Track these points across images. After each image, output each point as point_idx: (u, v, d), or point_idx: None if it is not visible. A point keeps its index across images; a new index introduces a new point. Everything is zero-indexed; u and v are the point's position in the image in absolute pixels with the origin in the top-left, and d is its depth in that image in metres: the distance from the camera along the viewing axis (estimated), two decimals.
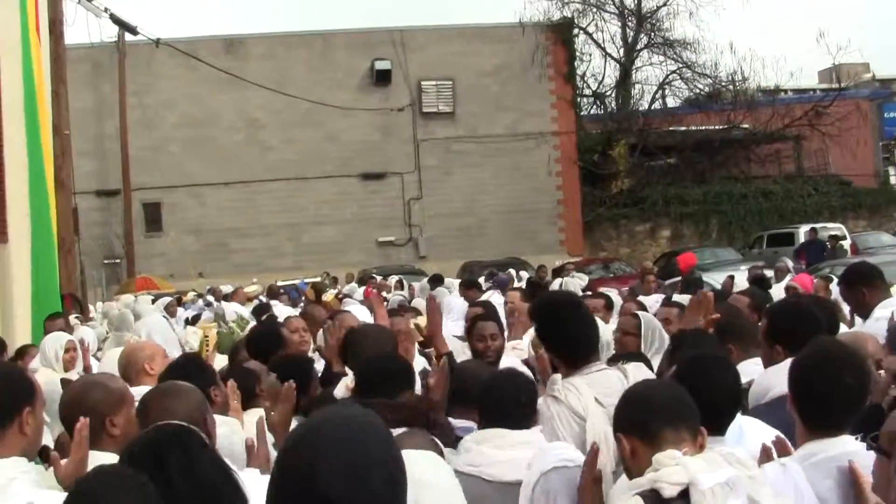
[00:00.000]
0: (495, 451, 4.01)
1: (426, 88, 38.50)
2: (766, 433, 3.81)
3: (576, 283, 15.37)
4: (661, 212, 39.98)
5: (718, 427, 3.55)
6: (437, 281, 19.86)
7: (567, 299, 5.00)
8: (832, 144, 42.84)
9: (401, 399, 4.27)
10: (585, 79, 43.78)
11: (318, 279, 26.80)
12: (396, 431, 4.02)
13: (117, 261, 35.98)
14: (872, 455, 3.35)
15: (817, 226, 31.13)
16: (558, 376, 4.55)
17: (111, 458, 3.61)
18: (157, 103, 36.36)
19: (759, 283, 12.90)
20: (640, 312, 6.58)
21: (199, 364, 5.17)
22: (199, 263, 35.81)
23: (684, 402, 3.20)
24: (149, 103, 35.95)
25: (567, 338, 4.62)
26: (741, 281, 15.08)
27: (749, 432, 3.91)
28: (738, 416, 3.94)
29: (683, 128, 41.85)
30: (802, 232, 31.75)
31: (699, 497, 2.88)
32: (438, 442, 3.85)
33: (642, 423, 3.16)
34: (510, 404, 4.14)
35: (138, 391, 4.28)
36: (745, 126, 42.46)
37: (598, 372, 4.53)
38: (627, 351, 5.95)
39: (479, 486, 3.76)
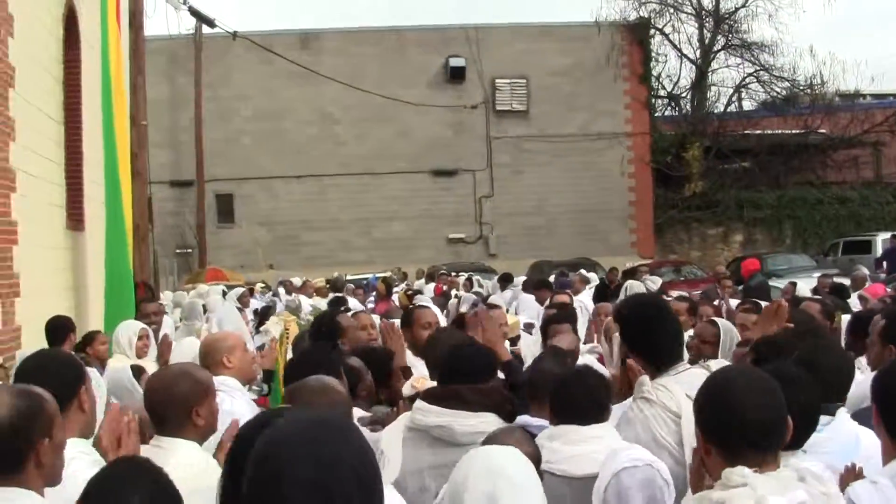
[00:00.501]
0: (567, 447, 4.00)
1: (500, 86, 38.40)
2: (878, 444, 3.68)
3: (648, 286, 15.21)
4: (733, 216, 39.49)
5: (796, 441, 3.43)
6: (506, 280, 19.79)
7: (654, 301, 4.93)
8: None
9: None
10: (661, 80, 43.35)
11: (389, 274, 26.86)
12: (490, 423, 4.04)
13: (189, 250, 36.37)
14: None
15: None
16: (646, 378, 4.49)
17: (194, 447, 3.90)
18: (231, 96, 36.69)
19: (838, 293, 12.57)
20: (718, 319, 6.44)
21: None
22: (270, 255, 36.06)
23: (777, 423, 2.97)
24: (223, 95, 36.32)
25: (653, 339, 4.54)
26: (803, 288, 14.73)
27: (864, 441, 3.83)
28: (856, 425, 3.89)
29: (759, 131, 41.26)
30: (880, 240, 31.12)
31: None
32: (531, 436, 3.80)
33: (724, 437, 2.97)
34: (582, 401, 4.14)
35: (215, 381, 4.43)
36: (823, 131, 41.77)
37: (685, 371, 4.46)
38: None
39: (552, 482, 3.72)
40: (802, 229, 39.43)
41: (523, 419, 4.53)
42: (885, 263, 27.08)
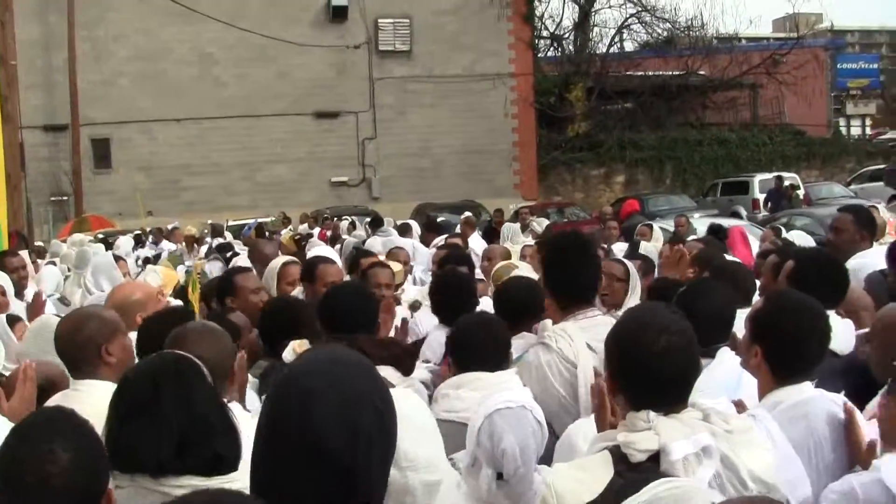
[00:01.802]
0: (474, 393, 3.93)
1: (383, 26, 37.96)
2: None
3: (534, 228, 15.21)
4: (616, 157, 39.95)
5: (707, 352, 3.57)
6: (376, 224, 19.61)
7: (579, 239, 4.83)
8: (788, 93, 42.98)
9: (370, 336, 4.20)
10: (543, 20, 43.47)
11: (272, 218, 26.55)
12: (389, 378, 3.89)
13: (65, 198, 35.31)
14: (830, 402, 3.48)
15: (783, 174, 31.24)
16: (548, 322, 4.47)
17: (110, 387, 3.61)
18: (106, 36, 35.53)
19: (716, 234, 12.74)
20: (623, 259, 6.41)
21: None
22: (149, 202, 35.18)
23: (691, 374, 2.92)
24: (99, 35, 35.18)
25: (569, 277, 4.51)
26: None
27: (748, 382, 3.86)
28: (738, 363, 3.90)
29: (641, 73, 41.76)
30: (758, 181, 31.88)
31: (668, 466, 2.71)
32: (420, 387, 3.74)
33: (635, 388, 2.91)
34: (484, 347, 4.11)
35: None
36: (703, 73, 42.49)
37: (591, 318, 4.42)
38: (615, 299, 5.79)
39: (459, 430, 3.62)
40: (683, 170, 40.15)
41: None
42: (769, 203, 27.77)
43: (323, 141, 37.46)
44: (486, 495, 3.02)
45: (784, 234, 12.02)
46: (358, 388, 2.05)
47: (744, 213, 28.21)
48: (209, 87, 36.47)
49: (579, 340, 4.24)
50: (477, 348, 4.10)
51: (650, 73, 41.67)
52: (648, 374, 2.83)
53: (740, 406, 3.48)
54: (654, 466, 2.73)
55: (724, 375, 3.96)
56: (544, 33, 43.98)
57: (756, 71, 42.72)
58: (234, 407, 3.33)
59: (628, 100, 41.87)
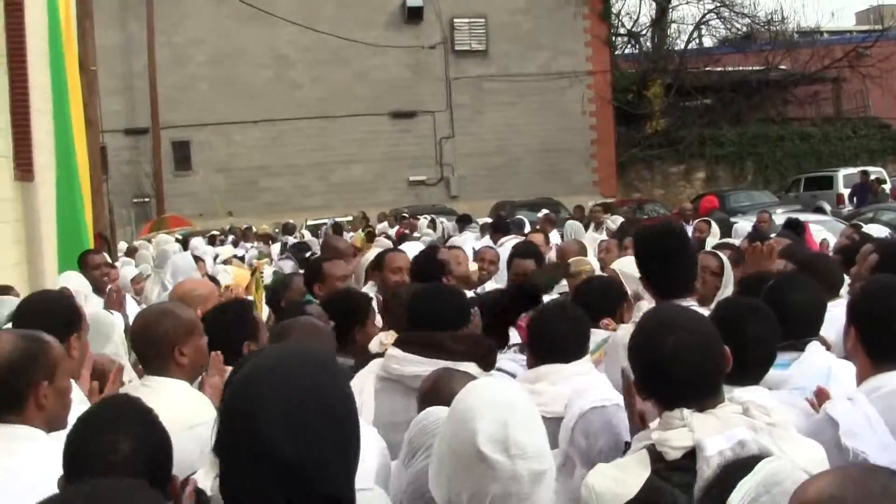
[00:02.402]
0: (553, 387, 3.87)
1: (458, 26, 37.93)
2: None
3: (608, 226, 14.98)
4: (695, 153, 39.53)
5: (753, 376, 3.49)
6: (465, 221, 19.56)
7: (675, 230, 4.82)
8: (872, 86, 42.08)
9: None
10: (620, 17, 43.18)
11: (350, 217, 26.61)
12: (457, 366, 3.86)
13: (146, 200, 35.82)
14: None
15: (869, 169, 30.56)
16: (644, 302, 4.49)
17: (183, 385, 3.90)
18: (185, 41, 35.97)
19: (793, 228, 12.44)
20: (719, 252, 6.20)
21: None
22: (228, 203, 35.55)
23: (713, 372, 2.85)
24: (177, 41, 35.63)
25: (663, 270, 4.49)
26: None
27: (837, 371, 3.84)
28: (831, 357, 3.92)
29: (720, 68, 41.23)
30: (842, 175, 31.26)
31: (703, 462, 2.65)
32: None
33: (658, 393, 2.87)
34: (564, 338, 4.01)
35: None
36: (783, 67, 41.79)
37: (690, 305, 4.27)
38: (707, 291, 5.60)
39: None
40: (764, 166, 39.57)
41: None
42: (855, 199, 27.19)
43: (400, 141, 37.53)
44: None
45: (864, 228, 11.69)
46: (305, 385, 1.97)
47: (828, 208, 27.59)
48: (285, 89, 36.70)
49: None
50: (554, 339, 4.01)
51: (729, 69, 41.10)
52: (665, 376, 2.81)
53: (823, 395, 3.47)
54: (689, 463, 2.68)
55: (812, 369, 3.87)
56: (621, 30, 43.58)
57: (839, 64, 41.86)
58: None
59: (707, 96, 41.42)
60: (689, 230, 12.17)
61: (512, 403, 2.41)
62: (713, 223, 12.06)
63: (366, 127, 37.07)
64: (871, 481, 1.53)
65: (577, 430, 3.40)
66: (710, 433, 2.67)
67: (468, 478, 2.35)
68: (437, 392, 3.18)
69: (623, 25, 43.74)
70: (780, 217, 18.70)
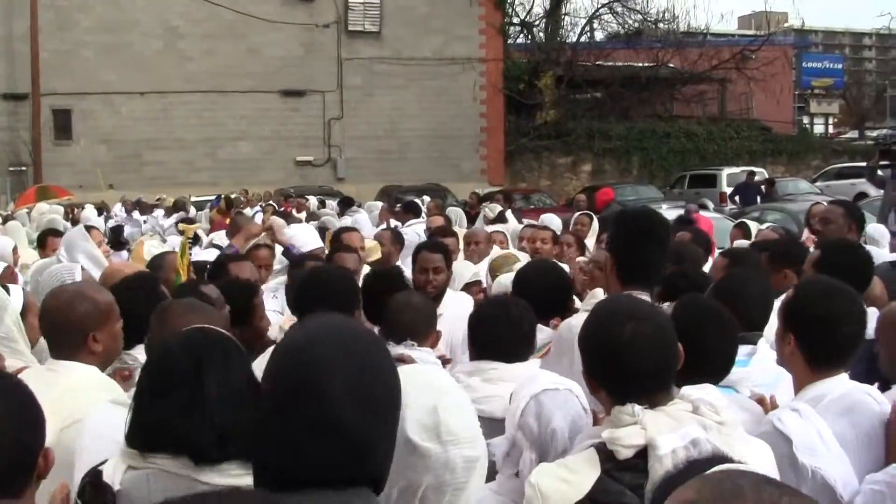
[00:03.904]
0: (487, 385, 3.74)
1: (353, 6, 37.55)
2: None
3: (486, 214, 14.94)
4: (583, 146, 39.91)
5: (714, 375, 3.33)
6: (346, 204, 19.41)
7: (657, 217, 4.58)
8: (756, 89, 43.23)
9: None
10: (514, 6, 43.33)
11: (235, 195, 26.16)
12: None
13: (23, 168, 34.65)
14: (866, 394, 3.38)
15: (755, 169, 31.31)
16: (599, 290, 4.26)
17: (92, 369, 3.72)
18: (70, 5, 34.87)
19: (686, 223, 12.58)
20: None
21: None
22: (110, 175, 34.64)
23: (668, 364, 2.77)
24: (62, 4, 34.54)
25: (634, 256, 4.27)
26: None
27: (787, 378, 3.70)
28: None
29: (610, 63, 41.76)
30: (725, 174, 31.98)
31: (656, 461, 2.56)
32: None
33: (610, 384, 2.77)
34: (506, 336, 3.86)
35: None
36: (672, 66, 42.56)
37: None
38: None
39: None
40: (650, 161, 40.19)
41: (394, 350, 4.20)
42: (737, 198, 27.78)
43: (289, 120, 37.10)
44: (525, 478, 2.83)
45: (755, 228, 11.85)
46: (371, 358, 1.94)
47: (711, 205, 28.15)
48: (175, 61, 35.90)
49: None
50: (497, 335, 3.85)
51: (620, 64, 41.65)
52: (619, 366, 2.71)
53: (766, 402, 3.43)
54: (641, 463, 2.59)
55: (768, 365, 3.81)
56: (515, 20, 43.77)
57: (726, 66, 42.93)
58: None
59: (597, 89, 41.91)
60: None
61: (440, 387, 2.32)
62: (594, 218, 11.96)
63: (255, 104, 36.57)
64: (725, 484, 1.49)
65: (528, 413, 3.24)
66: (662, 431, 2.59)
67: (397, 471, 2.18)
68: None
69: (517, 15, 44.02)
70: (666, 212, 18.95)
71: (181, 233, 9.49)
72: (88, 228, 9.30)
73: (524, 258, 6.97)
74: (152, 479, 2.54)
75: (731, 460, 2.57)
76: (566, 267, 6.22)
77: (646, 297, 4.12)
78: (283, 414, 1.89)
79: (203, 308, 3.59)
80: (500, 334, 3.85)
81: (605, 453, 2.63)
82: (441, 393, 2.27)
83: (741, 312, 3.44)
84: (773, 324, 3.86)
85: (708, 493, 1.49)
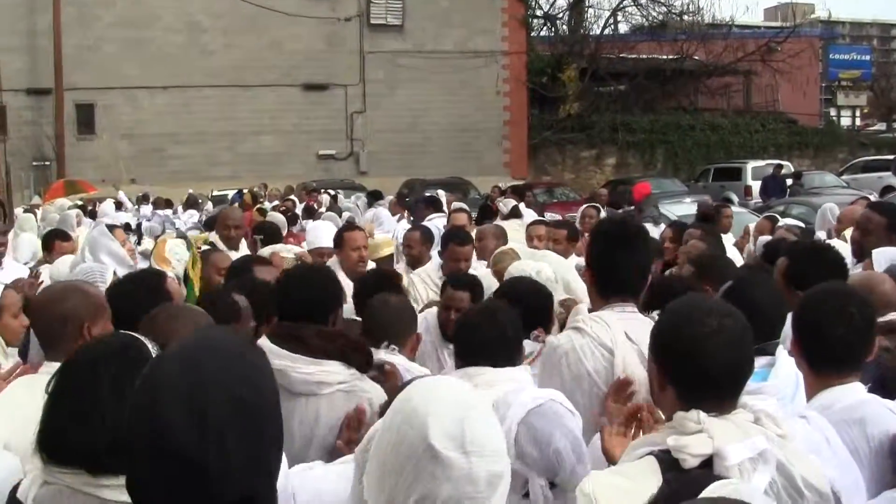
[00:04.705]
0: (476, 390, 3.47)
1: None
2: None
3: (500, 209, 14.76)
4: (607, 139, 39.72)
5: (766, 349, 3.46)
6: (375, 197, 19.30)
7: (629, 230, 4.34)
8: (782, 81, 42.84)
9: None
10: None
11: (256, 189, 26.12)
12: (333, 373, 3.74)
13: (47, 163, 34.78)
14: (885, 407, 3.25)
15: (781, 162, 31.03)
16: (583, 306, 4.13)
17: None
18: (92, 1, 34.93)
19: (707, 219, 12.34)
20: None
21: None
22: (133, 169, 34.68)
23: (747, 368, 2.68)
24: (84, 0, 34.53)
25: (610, 268, 4.05)
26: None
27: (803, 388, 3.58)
28: (793, 363, 3.62)
29: (634, 55, 41.50)
30: (750, 168, 31.67)
31: (723, 472, 2.44)
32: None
33: (688, 382, 2.63)
34: (493, 340, 3.68)
35: None
36: (697, 58, 42.22)
37: (630, 313, 3.96)
38: None
39: None
40: (674, 154, 39.98)
41: (376, 355, 4.07)
42: (767, 191, 27.49)
43: (311, 113, 37.03)
44: None
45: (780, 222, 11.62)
46: (213, 374, 1.82)
47: (735, 199, 27.87)
48: (196, 56, 35.95)
49: (617, 328, 3.84)
50: (482, 340, 3.68)
51: (644, 57, 41.38)
52: (700, 360, 2.59)
53: None
54: (706, 472, 2.44)
55: (785, 376, 3.68)
56: (538, 12, 43.58)
57: (751, 58, 42.55)
58: None
59: (621, 82, 41.71)
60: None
61: (467, 400, 2.16)
62: (602, 210, 11.75)
63: (277, 97, 36.59)
64: None
65: (523, 440, 3.12)
66: (730, 441, 2.48)
67: (416, 480, 2.06)
68: None
69: (540, 7, 43.81)
70: (689, 206, 18.72)
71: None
72: (111, 228, 9.16)
73: (526, 254, 6.78)
74: (60, 497, 2.46)
75: (791, 474, 2.50)
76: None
77: (632, 308, 3.99)
78: (129, 434, 1.84)
79: (190, 314, 3.49)
80: (485, 339, 3.68)
81: (666, 462, 2.50)
82: (467, 405, 2.12)
83: (755, 321, 3.31)
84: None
85: None
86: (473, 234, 8.64)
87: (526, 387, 3.55)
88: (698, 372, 2.58)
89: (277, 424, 1.92)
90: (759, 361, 3.53)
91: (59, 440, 2.47)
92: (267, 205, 19.62)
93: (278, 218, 14.66)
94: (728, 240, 9.20)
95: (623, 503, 2.43)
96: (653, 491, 2.37)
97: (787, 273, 4.74)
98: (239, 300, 4.39)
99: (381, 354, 4.05)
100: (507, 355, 3.68)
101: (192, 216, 21.95)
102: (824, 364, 3.33)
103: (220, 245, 8.11)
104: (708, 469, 2.45)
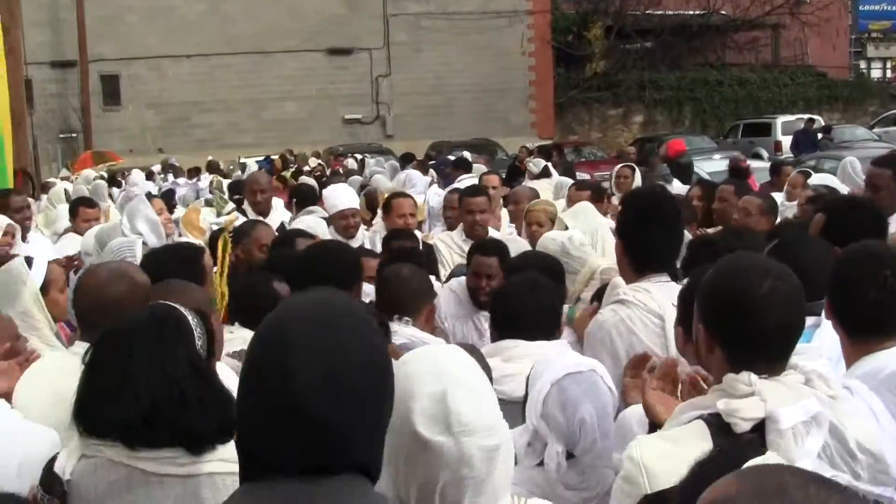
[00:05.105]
0: (504, 364, 3.49)
1: None
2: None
3: (530, 169, 14.61)
4: (634, 97, 39.49)
5: (813, 308, 3.14)
6: (407, 160, 19.23)
7: (660, 200, 4.29)
8: (811, 34, 42.31)
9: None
10: None
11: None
12: None
13: (73, 135, 34.97)
14: None
15: (813, 116, 30.66)
16: (620, 280, 3.97)
17: None
18: None
19: (738, 174, 12.16)
20: None
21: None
22: (159, 139, 34.75)
23: (799, 328, 2.55)
24: None
25: (642, 240, 3.95)
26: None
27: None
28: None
29: (660, 12, 41.04)
30: (780, 122, 31.34)
31: (776, 437, 2.32)
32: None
33: (739, 342, 2.49)
34: (526, 308, 3.63)
35: None
36: (724, 13, 41.72)
37: (666, 283, 3.88)
38: None
39: None
40: (702, 111, 39.70)
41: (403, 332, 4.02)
42: (798, 146, 27.20)
43: (336, 78, 37.00)
44: (554, 477, 2.69)
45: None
46: (347, 338, 1.77)
47: (765, 154, 27.60)
48: (218, 23, 35.93)
49: (659, 294, 3.75)
50: (518, 309, 3.61)
51: (670, 13, 40.93)
52: (752, 320, 2.47)
53: None
54: (757, 437, 2.34)
55: (831, 340, 3.49)
56: None
57: (779, 11, 41.99)
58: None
59: (647, 39, 41.30)
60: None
61: (450, 372, 2.07)
62: (636, 170, 11.55)
63: (300, 63, 36.50)
64: (767, 478, 1.34)
65: (552, 402, 2.99)
66: (782, 403, 2.36)
67: (412, 469, 2.01)
68: None
69: None
70: (719, 163, 18.50)
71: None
72: (150, 197, 9.11)
73: (560, 206, 6.68)
74: (99, 470, 2.45)
75: (843, 437, 2.38)
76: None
77: (667, 278, 3.90)
78: (251, 398, 1.78)
79: (185, 289, 3.40)
80: (522, 308, 3.62)
81: (716, 426, 2.39)
82: (449, 378, 2.02)
83: (802, 280, 3.18)
84: None
85: (749, 488, 1.35)
86: (502, 195, 8.58)
87: (569, 352, 3.46)
88: (752, 333, 2.46)
89: (392, 393, 1.87)
90: (807, 321, 3.44)
91: (95, 412, 2.46)
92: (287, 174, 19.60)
93: (311, 183, 14.68)
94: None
95: (672, 467, 2.26)
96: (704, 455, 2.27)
97: (824, 229, 4.56)
98: (280, 289, 4.33)
99: (395, 327, 3.97)
100: (547, 328, 3.61)
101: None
102: (861, 329, 3.18)
103: (250, 213, 8.07)
104: (759, 433, 2.35)
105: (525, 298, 3.66)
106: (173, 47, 35.35)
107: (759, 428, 2.34)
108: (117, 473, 2.43)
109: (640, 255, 3.96)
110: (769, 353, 2.46)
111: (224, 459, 2.46)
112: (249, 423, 1.78)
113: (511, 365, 3.47)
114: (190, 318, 2.64)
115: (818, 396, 2.41)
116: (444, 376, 2.04)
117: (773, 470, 1.39)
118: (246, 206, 8.41)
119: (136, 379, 2.46)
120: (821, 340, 3.48)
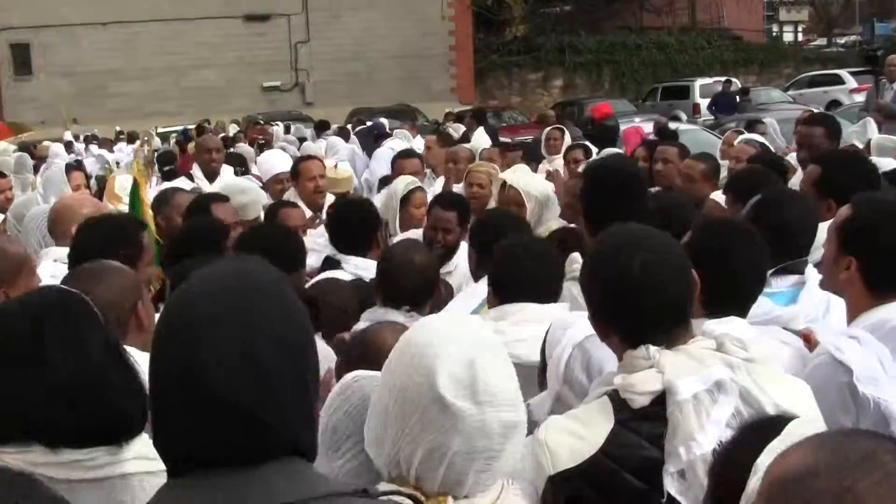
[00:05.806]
0: (514, 328, 3.35)
1: None
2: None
3: (450, 133, 14.64)
4: (554, 60, 39.60)
5: (741, 307, 2.97)
6: (322, 128, 19.17)
7: (624, 171, 4.28)
8: None
9: None
10: None
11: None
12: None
13: None
14: None
15: (731, 79, 31.01)
16: (576, 255, 3.86)
17: None
18: None
19: (665, 135, 12.26)
20: None
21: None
22: (74, 109, 34.06)
23: (685, 295, 2.48)
24: None
25: (606, 213, 3.80)
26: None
27: (835, 310, 3.38)
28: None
29: None
30: (698, 85, 31.68)
31: (675, 409, 2.30)
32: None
33: (623, 322, 2.46)
34: (535, 275, 3.50)
35: (60, 252, 4.17)
36: None
37: None
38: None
39: None
40: (621, 74, 39.96)
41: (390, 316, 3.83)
42: (715, 108, 27.52)
43: (253, 45, 36.67)
44: None
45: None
46: (262, 313, 1.61)
47: (684, 117, 27.86)
48: None
49: None
50: (521, 272, 3.50)
51: None
52: (631, 303, 2.41)
53: (812, 338, 3.09)
54: (660, 410, 2.31)
55: (815, 301, 3.47)
56: None
57: None
58: (137, 355, 2.49)
59: (567, 2, 41.43)
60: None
61: (480, 339, 2.00)
62: (566, 131, 11.56)
63: (219, 30, 36.11)
64: (849, 447, 1.29)
65: (575, 365, 2.92)
66: (682, 374, 2.31)
67: (423, 431, 1.91)
68: (370, 352, 2.63)
69: None
70: (642, 125, 18.71)
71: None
72: (69, 169, 8.97)
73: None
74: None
75: (759, 402, 2.32)
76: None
77: None
78: (160, 382, 1.63)
79: (102, 273, 3.04)
80: (524, 271, 3.51)
81: (619, 402, 2.36)
82: (482, 346, 1.96)
83: (784, 238, 3.14)
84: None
85: (832, 459, 1.27)
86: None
87: (584, 314, 3.45)
88: (634, 313, 2.43)
89: (317, 370, 1.73)
90: (788, 280, 3.45)
91: (10, 409, 2.10)
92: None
93: (246, 149, 14.57)
94: None
95: (575, 448, 2.31)
96: (605, 434, 2.30)
97: (819, 182, 4.48)
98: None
99: (401, 318, 3.68)
100: (548, 289, 3.54)
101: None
102: (885, 280, 3.09)
103: (199, 175, 7.95)
104: (661, 406, 2.31)
105: (532, 261, 3.55)
106: (88, 15, 34.65)
107: (662, 400, 2.32)
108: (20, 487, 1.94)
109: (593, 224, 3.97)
110: (660, 326, 2.41)
111: (145, 457, 2.19)
112: (166, 416, 1.64)
113: (520, 328, 3.36)
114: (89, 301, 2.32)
115: (731, 362, 2.38)
116: (476, 343, 1.98)
117: (852, 436, 1.34)
118: (195, 169, 8.15)
119: (52, 362, 2.12)
120: (806, 301, 3.44)
